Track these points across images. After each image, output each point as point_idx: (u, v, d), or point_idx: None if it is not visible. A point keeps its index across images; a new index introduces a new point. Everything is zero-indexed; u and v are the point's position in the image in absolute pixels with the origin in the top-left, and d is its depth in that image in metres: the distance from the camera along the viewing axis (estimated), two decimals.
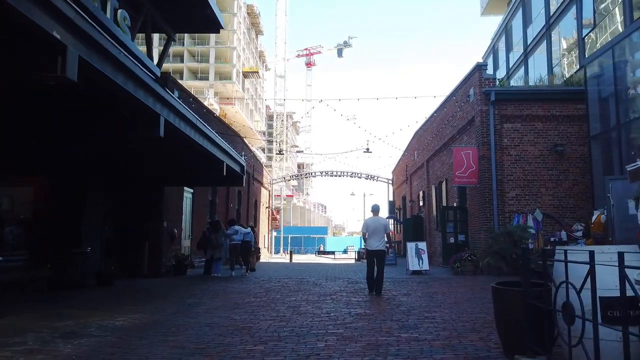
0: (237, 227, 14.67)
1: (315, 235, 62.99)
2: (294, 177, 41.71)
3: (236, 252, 14.68)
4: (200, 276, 14.21)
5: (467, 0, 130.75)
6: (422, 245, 14.92)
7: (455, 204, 17.15)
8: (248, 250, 15.13)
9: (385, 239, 9.59)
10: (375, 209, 10.00)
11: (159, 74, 10.28)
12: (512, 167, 14.00)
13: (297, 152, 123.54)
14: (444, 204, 18.33)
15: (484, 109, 14.07)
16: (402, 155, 29.58)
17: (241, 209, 25.43)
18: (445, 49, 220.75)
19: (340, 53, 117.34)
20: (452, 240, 15.95)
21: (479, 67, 14.26)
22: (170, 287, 11.28)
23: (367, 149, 18.04)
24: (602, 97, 11.96)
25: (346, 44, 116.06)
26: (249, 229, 15.34)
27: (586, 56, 17.65)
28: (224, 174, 11.29)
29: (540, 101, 14.02)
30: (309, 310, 7.55)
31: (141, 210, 13.69)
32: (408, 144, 27.03)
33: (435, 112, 19.36)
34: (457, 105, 16.26)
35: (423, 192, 23.02)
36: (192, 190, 17.22)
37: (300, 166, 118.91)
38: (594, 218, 10.11)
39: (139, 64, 6.83)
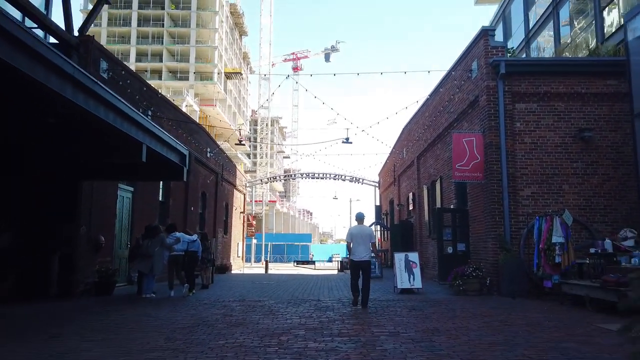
0: (178, 234, 11.52)
1: (298, 243, 59.75)
2: (271, 179, 38.57)
3: (177, 265, 11.52)
4: (129, 297, 11.03)
5: None
6: (414, 256, 11.92)
7: (452, 206, 14.21)
8: (193, 264, 11.99)
9: (371, 248, 9.06)
10: (360, 217, 9.34)
11: None
12: (526, 157, 11.11)
13: (284, 157, 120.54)
14: (439, 206, 15.37)
15: (491, 84, 11.17)
16: (389, 154, 26.68)
17: (206, 213, 22.23)
18: (437, 45, 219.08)
19: (327, 58, 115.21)
20: (449, 250, 12.98)
21: (485, 33, 11.38)
22: (66, 316, 8.10)
23: (347, 139, 15.15)
24: None
25: (334, 49, 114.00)
26: (195, 236, 12.19)
27: (605, 32, 14.93)
28: (143, 159, 8.18)
29: (562, 75, 11.17)
30: None
31: (50, 212, 10.51)
32: (396, 141, 24.14)
33: (429, 97, 16.46)
34: (455, 86, 13.36)
35: (413, 194, 20.09)
36: (131, 188, 14.04)
37: (287, 172, 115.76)
38: None
39: None
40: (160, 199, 16.53)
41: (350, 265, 9.21)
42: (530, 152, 11.10)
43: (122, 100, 7.42)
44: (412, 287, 11.50)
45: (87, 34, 11.52)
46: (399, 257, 11.89)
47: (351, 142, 15.69)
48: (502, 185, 10.89)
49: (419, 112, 18.72)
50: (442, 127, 14.95)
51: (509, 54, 13.16)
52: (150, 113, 14.55)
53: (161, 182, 16.57)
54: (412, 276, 11.58)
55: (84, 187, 11.00)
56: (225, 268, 23.84)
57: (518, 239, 10.77)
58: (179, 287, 11.59)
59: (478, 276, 10.72)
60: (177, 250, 11.39)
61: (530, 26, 21.60)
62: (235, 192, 29.61)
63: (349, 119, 15.04)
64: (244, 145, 20.87)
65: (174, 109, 16.95)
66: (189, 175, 19.16)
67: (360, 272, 8.84)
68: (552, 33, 18.83)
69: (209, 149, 21.68)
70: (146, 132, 8.41)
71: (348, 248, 9.15)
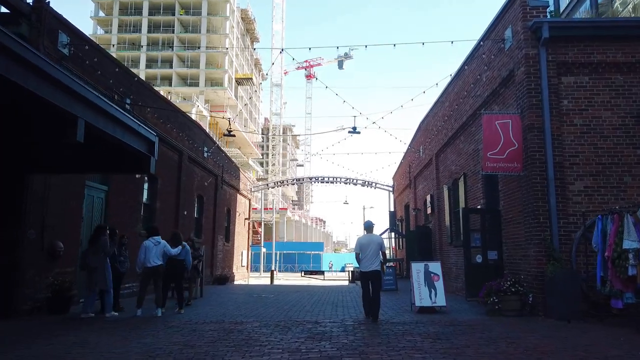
0: (152, 242, 9.40)
1: (310, 252, 57.49)
2: (278, 183, 36.60)
3: (156, 278, 9.45)
4: (92, 316, 9.00)
5: None
6: (435, 267, 9.74)
7: (480, 207, 12.00)
8: (180, 276, 9.96)
9: (381, 258, 8.54)
10: (369, 226, 8.95)
11: None
12: (577, 143, 8.90)
13: (297, 165, 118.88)
14: (464, 207, 13.14)
15: (531, 53, 9.00)
16: (404, 155, 24.52)
17: (203, 219, 20.28)
18: (453, 48, 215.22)
19: (340, 65, 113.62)
20: (478, 259, 10.74)
21: None
22: None
23: (354, 129, 13.17)
24: None
25: (347, 56, 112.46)
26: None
27: None
28: (79, 139, 6.19)
29: (620, 40, 8.96)
30: None
31: None
32: (411, 139, 21.98)
33: (449, 84, 14.33)
34: (483, 62, 11.22)
35: (431, 196, 17.89)
36: (105, 187, 12.12)
37: (300, 180, 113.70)
38: None
39: None
40: (144, 200, 14.59)
41: (360, 277, 8.76)
42: (581, 136, 8.89)
43: (42, 56, 5.46)
44: (434, 304, 9.31)
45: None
46: (417, 268, 9.71)
47: (359, 132, 13.67)
48: (547, 177, 8.68)
49: (437, 103, 16.58)
50: (466, 115, 12.79)
51: (550, 14, 10.97)
52: (129, 101, 12.69)
53: (145, 182, 14.67)
54: (433, 291, 9.39)
55: (33, 183, 9.09)
56: (226, 279, 21.83)
57: (569, 244, 8.53)
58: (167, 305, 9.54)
59: (518, 292, 8.48)
60: (152, 263, 9.32)
61: (562, 9, 19.37)
62: (239, 197, 27.66)
63: (357, 108, 12.99)
64: (233, 136, 18.86)
65: (159, 99, 15.04)
66: (182, 175, 17.32)
67: (370, 283, 8.43)
68: (588, 9, 16.60)
69: (205, 148, 19.77)
70: (87, 104, 6.45)
71: (357, 258, 8.68)
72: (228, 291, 16.66)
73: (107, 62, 11.61)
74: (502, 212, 10.60)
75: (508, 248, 10.22)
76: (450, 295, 12.09)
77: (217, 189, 22.18)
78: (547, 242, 8.46)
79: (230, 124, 15.02)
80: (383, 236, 28.48)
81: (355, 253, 8.79)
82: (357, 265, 9.27)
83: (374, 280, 8.38)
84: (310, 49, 10.82)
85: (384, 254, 8.57)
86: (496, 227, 10.75)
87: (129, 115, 7.74)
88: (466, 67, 12.12)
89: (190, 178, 18.45)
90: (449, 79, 13.92)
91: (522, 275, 9.05)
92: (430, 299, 9.32)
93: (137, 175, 13.22)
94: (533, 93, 8.92)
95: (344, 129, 32.33)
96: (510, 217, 10.07)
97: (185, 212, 17.78)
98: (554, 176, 8.65)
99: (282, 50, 10.57)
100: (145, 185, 14.76)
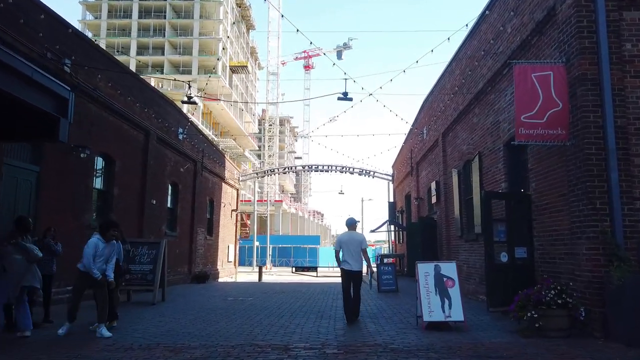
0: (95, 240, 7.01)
1: (306, 246, 55.19)
2: (269, 172, 34.22)
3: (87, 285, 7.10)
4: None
5: None
6: (449, 269, 7.42)
7: (501, 191, 9.67)
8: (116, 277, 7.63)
9: (363, 258, 8.23)
10: (351, 223, 8.60)
11: None
12: None
13: (296, 158, 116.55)
14: (479, 192, 10.80)
15: None
16: (405, 139, 22.18)
17: (179, 209, 17.94)
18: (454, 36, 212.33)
19: (339, 55, 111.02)
20: (503, 258, 8.38)
21: None
22: None
23: (345, 94, 10.91)
24: None
25: (346, 46, 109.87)
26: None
27: None
28: None
29: None
30: None
31: None
32: (414, 121, 19.62)
33: (460, 48, 11.96)
34: (508, 8, 8.82)
35: (437, 183, 15.57)
36: (36, 168, 9.76)
37: (298, 174, 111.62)
38: None
39: None
40: (96, 185, 12.24)
41: (342, 276, 8.34)
42: None
43: None
44: (448, 319, 7.00)
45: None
46: (425, 270, 7.39)
47: (351, 99, 11.43)
48: (605, 147, 6.33)
49: (444, 74, 14.21)
50: (482, 80, 10.43)
51: None
52: (68, 62, 10.31)
53: (99, 164, 12.32)
54: (447, 301, 7.08)
55: None
56: (205, 276, 19.49)
57: (635, 238, 6.21)
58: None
59: (567, 305, 6.16)
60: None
61: None
62: (225, 186, 25.31)
63: (350, 74, 10.63)
64: (195, 104, 16.54)
65: (115, 64, 12.57)
66: (149, 158, 14.89)
67: (352, 283, 8.14)
68: None
69: (180, 129, 17.38)
70: None
71: (336, 257, 8.33)
72: (202, 292, 14.35)
73: (31, 8, 9.19)
74: (533, 197, 8.26)
75: (542, 244, 7.89)
76: (467, 303, 9.80)
77: (197, 176, 19.82)
78: (606, 235, 6.14)
79: (190, 87, 12.57)
80: (382, 229, 26.44)
81: (335, 251, 8.44)
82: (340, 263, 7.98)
83: (355, 280, 8.16)
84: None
85: (364, 252, 8.20)
86: (525, 216, 8.41)
87: (14, 55, 5.36)
88: (487, 11, 9.67)
89: (161, 162, 16.10)
90: (460, 37, 11.56)
91: (566, 280, 6.73)
92: (443, 311, 7.01)
93: (81, 155, 10.86)
94: (585, 33, 6.54)
95: (336, 119, 30.02)
96: (546, 203, 7.73)
97: (154, 201, 15.43)
98: (616, 146, 6.30)
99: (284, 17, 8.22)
100: (99, 168, 12.41)
